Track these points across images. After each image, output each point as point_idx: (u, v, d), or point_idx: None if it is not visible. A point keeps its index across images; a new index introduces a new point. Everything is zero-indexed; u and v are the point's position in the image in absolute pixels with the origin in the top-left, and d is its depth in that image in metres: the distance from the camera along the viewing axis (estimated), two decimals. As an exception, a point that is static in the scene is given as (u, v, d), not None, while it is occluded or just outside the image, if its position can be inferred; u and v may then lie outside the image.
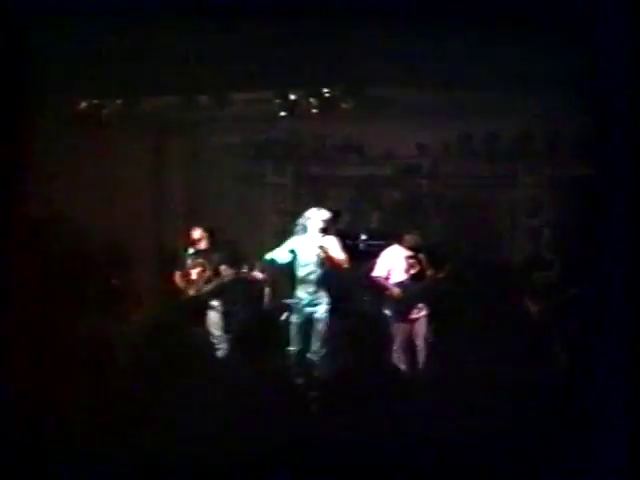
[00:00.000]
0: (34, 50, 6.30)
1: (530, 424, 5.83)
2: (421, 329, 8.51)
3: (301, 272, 8.07)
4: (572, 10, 5.86)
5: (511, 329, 8.33)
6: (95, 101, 8.98)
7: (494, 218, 10.55)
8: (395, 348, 8.51)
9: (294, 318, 8.05)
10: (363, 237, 10.50)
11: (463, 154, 10.55)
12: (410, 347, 8.50)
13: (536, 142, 10.24)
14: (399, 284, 8.60)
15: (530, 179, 10.54)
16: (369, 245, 10.45)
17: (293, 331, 8.03)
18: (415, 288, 8.57)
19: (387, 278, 8.68)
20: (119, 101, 9.00)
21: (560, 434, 5.55)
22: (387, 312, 8.63)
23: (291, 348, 7.99)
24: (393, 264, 8.68)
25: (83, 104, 8.94)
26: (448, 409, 6.55)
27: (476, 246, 10.10)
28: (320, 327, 7.97)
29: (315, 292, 8.03)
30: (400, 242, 8.75)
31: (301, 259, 8.01)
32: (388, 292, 8.62)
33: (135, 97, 8.88)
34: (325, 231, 8.06)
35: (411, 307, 8.53)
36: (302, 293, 8.07)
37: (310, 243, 8.04)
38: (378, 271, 8.73)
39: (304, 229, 8.07)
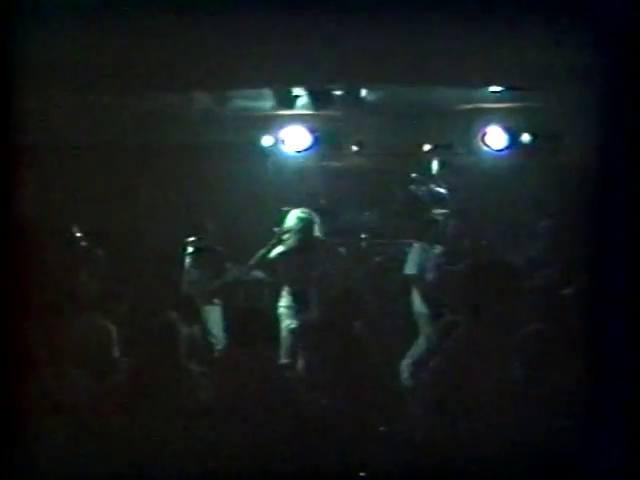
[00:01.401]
0: (31, 47, 6.27)
1: (529, 423, 5.81)
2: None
3: (289, 277, 8.01)
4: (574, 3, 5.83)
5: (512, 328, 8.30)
6: (93, 98, 8.98)
7: (496, 216, 10.53)
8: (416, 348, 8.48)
9: (287, 324, 7.97)
10: (363, 235, 10.51)
11: (465, 152, 10.55)
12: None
13: (539, 139, 10.22)
14: (430, 282, 8.60)
15: (533, 176, 10.54)
16: (370, 244, 10.48)
17: (286, 339, 7.93)
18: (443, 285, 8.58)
19: (418, 276, 8.68)
20: (116, 98, 9.00)
21: (559, 434, 5.54)
22: (419, 310, 8.62)
23: (284, 358, 7.88)
24: (422, 261, 8.68)
25: (81, 101, 8.93)
26: (448, 406, 6.54)
27: (479, 244, 10.10)
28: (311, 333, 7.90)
29: (306, 296, 7.97)
30: (423, 238, 8.77)
31: (289, 263, 7.95)
32: (421, 290, 8.61)
33: (133, 94, 8.88)
34: (309, 233, 7.99)
35: (443, 305, 8.52)
36: (292, 299, 7.99)
37: (296, 246, 7.97)
38: (409, 269, 8.72)
39: (292, 233, 7.98)
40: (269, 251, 7.96)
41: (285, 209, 9.71)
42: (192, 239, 9.21)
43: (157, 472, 5.75)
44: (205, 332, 8.86)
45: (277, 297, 8.42)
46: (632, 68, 5.43)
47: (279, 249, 7.95)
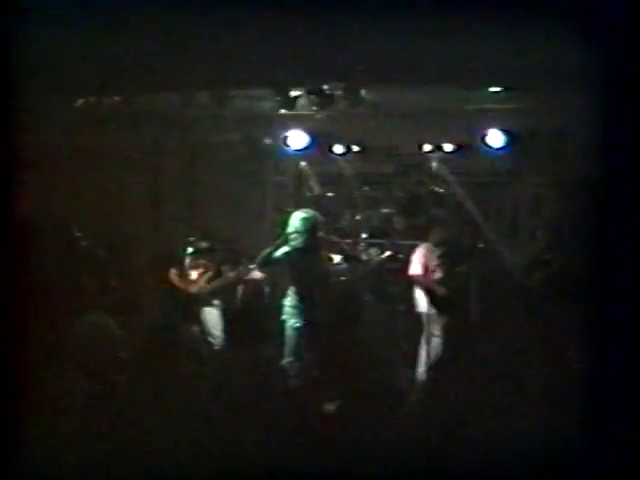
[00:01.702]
0: (31, 47, 6.27)
1: (530, 422, 5.81)
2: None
3: (295, 275, 8.01)
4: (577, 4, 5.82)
5: (512, 328, 8.31)
6: (93, 99, 8.97)
7: (496, 217, 10.52)
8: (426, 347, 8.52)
9: (292, 323, 7.96)
10: (364, 236, 10.50)
11: (466, 153, 10.51)
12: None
13: (539, 140, 10.19)
14: (438, 281, 8.66)
15: (533, 178, 10.53)
16: (370, 244, 10.47)
17: (290, 338, 7.92)
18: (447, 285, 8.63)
19: (423, 275, 8.73)
20: (117, 99, 8.98)
21: (559, 434, 5.53)
22: (422, 310, 8.66)
23: (287, 357, 7.88)
24: (428, 261, 8.73)
25: (81, 102, 8.92)
26: (449, 406, 6.55)
27: (480, 245, 10.08)
28: (314, 333, 7.90)
29: (310, 296, 7.97)
30: (428, 239, 8.82)
31: (295, 262, 7.95)
32: (430, 290, 8.65)
33: (134, 95, 8.86)
34: (313, 233, 7.99)
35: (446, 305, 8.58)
36: (297, 298, 7.98)
37: (301, 247, 7.97)
38: (414, 269, 8.78)
39: (296, 234, 7.97)
40: (273, 251, 7.95)
41: (285, 210, 9.70)
42: (192, 239, 9.20)
43: (157, 471, 5.74)
44: (204, 332, 8.86)
45: (277, 297, 8.42)
46: (632, 68, 5.43)
47: (284, 249, 7.94)
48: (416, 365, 8.60)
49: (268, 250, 7.92)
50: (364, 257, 10.16)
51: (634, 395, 5.14)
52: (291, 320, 7.91)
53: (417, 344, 8.80)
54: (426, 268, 8.78)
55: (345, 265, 9.80)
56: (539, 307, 8.47)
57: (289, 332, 7.91)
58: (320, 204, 9.92)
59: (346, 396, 7.02)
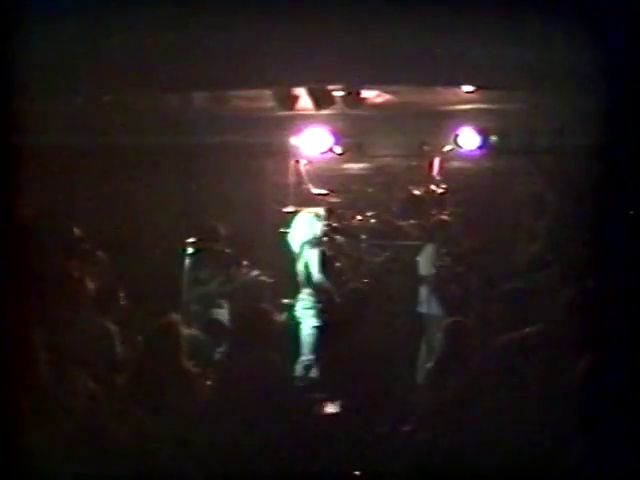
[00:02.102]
0: (31, 48, 6.28)
1: (530, 423, 5.81)
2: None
3: (302, 275, 8.06)
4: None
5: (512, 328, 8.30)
6: (93, 99, 8.98)
7: (496, 216, 10.53)
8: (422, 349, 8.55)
9: (308, 322, 7.98)
10: (363, 236, 10.51)
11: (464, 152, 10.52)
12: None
13: (539, 139, 10.19)
14: (440, 282, 8.69)
15: (533, 177, 10.54)
16: (371, 245, 10.49)
17: (307, 338, 7.95)
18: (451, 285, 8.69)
19: (431, 276, 8.77)
20: (117, 98, 8.99)
21: (559, 434, 5.52)
22: (424, 310, 8.70)
23: (305, 356, 7.92)
24: (434, 262, 8.77)
25: (81, 101, 8.93)
26: (448, 406, 6.55)
27: (480, 245, 10.10)
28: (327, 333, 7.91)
29: (321, 294, 8.02)
30: (429, 239, 8.87)
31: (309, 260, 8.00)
32: (432, 291, 8.70)
33: (133, 95, 8.87)
34: (320, 233, 8.05)
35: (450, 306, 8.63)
36: (310, 297, 8.02)
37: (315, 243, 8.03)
38: (422, 270, 8.83)
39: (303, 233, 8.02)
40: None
41: (286, 210, 9.71)
42: (192, 240, 9.20)
43: (157, 472, 5.74)
44: (207, 333, 8.85)
45: (285, 297, 8.49)
46: (632, 68, 5.44)
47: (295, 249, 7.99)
48: (417, 365, 8.61)
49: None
50: (365, 258, 10.18)
51: (634, 395, 5.14)
52: (303, 320, 7.97)
53: (417, 345, 8.81)
54: (427, 269, 8.82)
55: (346, 266, 9.81)
56: (539, 307, 8.47)
57: (301, 332, 7.96)
58: (320, 204, 9.93)
59: (345, 396, 7.03)
